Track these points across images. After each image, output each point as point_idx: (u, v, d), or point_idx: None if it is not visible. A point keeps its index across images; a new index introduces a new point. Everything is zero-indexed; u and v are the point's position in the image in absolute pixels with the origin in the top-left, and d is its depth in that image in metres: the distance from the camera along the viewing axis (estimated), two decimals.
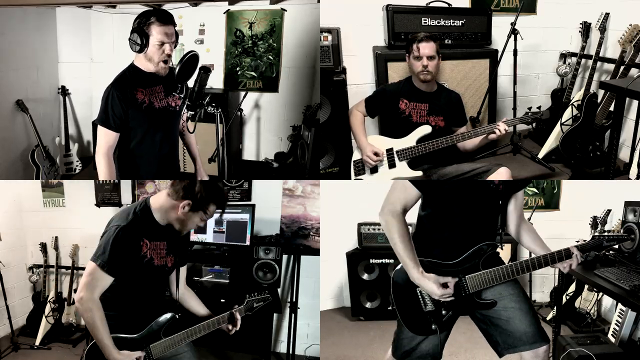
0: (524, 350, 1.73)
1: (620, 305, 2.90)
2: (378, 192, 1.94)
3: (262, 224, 3.39)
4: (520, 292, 1.79)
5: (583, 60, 3.96)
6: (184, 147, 2.60)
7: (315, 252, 3.40)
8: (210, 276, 3.18)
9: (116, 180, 3.62)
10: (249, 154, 4.64)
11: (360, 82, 3.70)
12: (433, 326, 1.79)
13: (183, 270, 2.07)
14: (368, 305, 3.71)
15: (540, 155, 3.79)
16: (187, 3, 4.24)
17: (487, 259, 1.78)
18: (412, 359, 1.87)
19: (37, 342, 3.50)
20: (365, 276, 3.67)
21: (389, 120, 2.97)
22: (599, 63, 3.75)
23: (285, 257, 3.32)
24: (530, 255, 1.87)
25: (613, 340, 2.85)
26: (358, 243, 3.73)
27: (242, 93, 4.39)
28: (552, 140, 3.74)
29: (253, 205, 3.25)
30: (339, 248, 3.77)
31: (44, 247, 3.77)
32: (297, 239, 3.45)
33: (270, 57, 4.33)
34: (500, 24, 3.86)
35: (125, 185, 3.68)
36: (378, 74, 3.56)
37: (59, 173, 4.13)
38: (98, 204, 3.71)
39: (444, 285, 1.73)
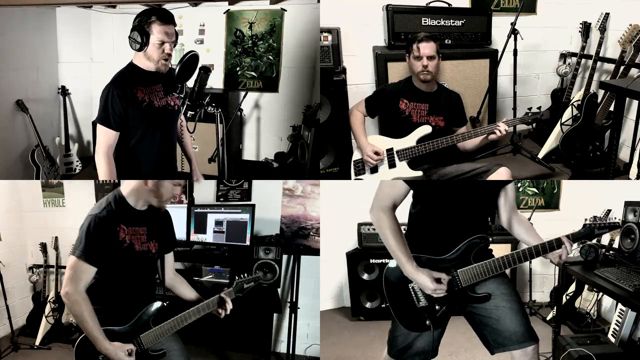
0: (513, 350, 1.74)
1: (620, 305, 2.90)
2: None
3: (262, 224, 3.39)
4: (512, 292, 1.79)
5: (583, 60, 3.96)
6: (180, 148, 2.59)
7: (315, 252, 3.40)
8: (210, 276, 3.18)
9: (116, 180, 3.63)
10: (249, 154, 4.64)
11: (360, 82, 3.70)
12: (427, 322, 1.80)
13: (170, 257, 2.08)
14: (368, 305, 3.71)
15: (540, 155, 3.79)
16: (187, 3, 4.24)
17: (478, 253, 1.78)
18: (408, 356, 1.87)
19: (37, 342, 3.50)
20: (365, 276, 3.67)
21: (389, 120, 2.97)
22: (599, 63, 3.75)
23: (285, 257, 3.32)
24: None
25: (613, 340, 2.85)
26: (358, 243, 3.73)
27: (242, 93, 4.39)
28: (552, 140, 3.74)
29: (253, 205, 3.25)
30: (339, 248, 3.77)
31: (44, 247, 3.77)
32: (297, 239, 3.45)
33: (270, 57, 4.33)
34: (500, 24, 3.86)
35: None
36: (378, 74, 3.56)
37: (59, 173, 4.13)
38: None
39: (438, 281, 1.74)
